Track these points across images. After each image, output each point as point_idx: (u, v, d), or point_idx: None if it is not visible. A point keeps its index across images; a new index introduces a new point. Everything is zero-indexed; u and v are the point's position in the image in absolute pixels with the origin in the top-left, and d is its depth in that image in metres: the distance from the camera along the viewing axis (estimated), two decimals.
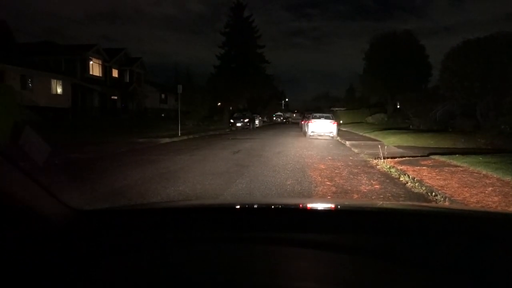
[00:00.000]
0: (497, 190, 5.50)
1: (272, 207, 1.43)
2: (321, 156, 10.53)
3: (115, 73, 38.34)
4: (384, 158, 9.03)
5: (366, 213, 1.27)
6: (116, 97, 37.37)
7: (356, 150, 12.50)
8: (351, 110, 47.31)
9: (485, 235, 1.02)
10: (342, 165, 8.71)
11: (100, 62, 35.10)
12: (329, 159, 9.99)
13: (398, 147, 13.28)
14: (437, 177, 6.59)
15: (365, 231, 1.04)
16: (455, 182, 6.12)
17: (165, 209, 1.41)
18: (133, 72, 40.52)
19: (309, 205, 1.45)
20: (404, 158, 9.51)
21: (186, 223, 1.13)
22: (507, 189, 5.51)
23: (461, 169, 7.45)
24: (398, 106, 37.36)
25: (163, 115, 39.78)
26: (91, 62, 33.75)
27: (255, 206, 1.47)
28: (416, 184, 6.14)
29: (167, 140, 15.79)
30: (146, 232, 1.04)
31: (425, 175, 6.76)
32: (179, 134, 17.94)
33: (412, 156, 10.11)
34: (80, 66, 32.63)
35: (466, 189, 5.59)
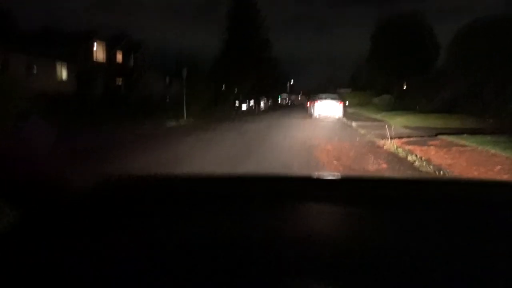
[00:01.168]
0: (506, 168, 5.46)
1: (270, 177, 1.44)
2: (328, 137, 10.49)
3: (119, 58, 38.21)
4: (391, 138, 8.98)
5: (361, 181, 1.30)
6: (120, 83, 37.36)
7: (362, 131, 12.44)
8: (357, 91, 46.96)
9: (481, 200, 1.03)
10: (349, 146, 8.69)
11: (104, 48, 34.97)
12: (336, 140, 9.96)
13: (405, 127, 13.18)
14: (445, 156, 6.56)
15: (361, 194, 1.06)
16: (464, 161, 6.09)
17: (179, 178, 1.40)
18: (138, 57, 40.37)
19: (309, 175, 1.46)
20: (411, 138, 9.44)
21: (201, 190, 1.14)
22: None
23: (469, 148, 7.41)
24: (405, 88, 37.05)
25: (167, 100, 39.75)
26: (94, 48, 33.64)
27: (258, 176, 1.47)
28: (424, 163, 6.12)
29: (173, 123, 15.84)
30: (161, 200, 1.04)
31: (433, 154, 6.73)
32: (185, 118, 17.97)
33: (420, 136, 10.05)
34: (84, 52, 32.54)
35: (474, 167, 5.57)
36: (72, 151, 7.67)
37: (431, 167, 5.80)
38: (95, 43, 33.62)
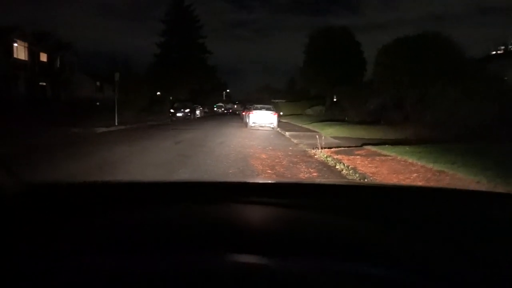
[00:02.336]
0: (421, 175, 6.04)
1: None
2: (262, 146, 10.75)
3: (43, 58, 35.63)
4: (321, 148, 9.44)
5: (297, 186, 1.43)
6: (45, 84, 34.82)
7: (295, 141, 12.91)
8: (291, 102, 48.50)
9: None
10: (282, 155, 8.98)
11: (26, 45, 32.41)
12: (270, 149, 10.23)
13: (335, 138, 13.93)
14: (369, 165, 7.06)
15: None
16: (385, 169, 6.61)
17: (111, 184, 1.40)
18: (65, 59, 37.96)
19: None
20: (339, 148, 10.02)
21: (135, 196, 1.14)
22: (429, 175, 6.07)
23: (390, 158, 8.04)
24: (335, 99, 39.10)
25: (98, 104, 37.80)
26: (15, 45, 31.04)
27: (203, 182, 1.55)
28: (350, 171, 6.54)
29: (103, 129, 15.11)
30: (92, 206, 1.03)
31: (359, 163, 7.21)
32: (116, 124, 17.24)
33: (347, 146, 10.68)
34: (2, 49, 29.87)
35: (394, 175, 6.08)
36: None
37: (357, 175, 6.21)
38: (16, 40, 31.03)
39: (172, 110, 28.84)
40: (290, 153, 9.36)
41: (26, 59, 32.42)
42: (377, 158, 8.02)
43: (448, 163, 6.75)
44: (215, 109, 60.71)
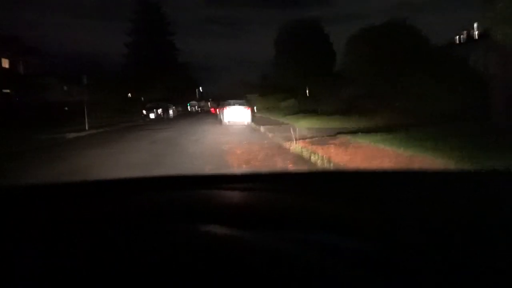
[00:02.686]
0: (392, 160, 6.19)
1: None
2: (237, 142, 10.73)
3: (5, 64, 34.29)
4: (295, 140, 9.51)
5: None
6: (8, 91, 33.52)
7: (270, 134, 12.96)
8: (265, 96, 48.57)
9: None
10: (257, 149, 8.99)
11: None
12: (245, 143, 10.23)
13: (308, 129, 14.05)
14: (343, 154, 7.17)
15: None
16: (359, 157, 6.74)
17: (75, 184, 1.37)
18: (30, 63, 36.62)
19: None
20: (313, 139, 10.12)
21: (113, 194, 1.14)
22: (400, 159, 6.23)
23: (363, 145, 8.20)
24: (308, 92, 39.48)
25: (66, 108, 36.72)
26: None
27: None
28: (325, 161, 6.62)
29: (73, 135, 14.71)
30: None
31: (332, 153, 7.31)
32: (87, 128, 16.82)
33: (321, 137, 10.80)
34: None
35: (367, 161, 6.20)
36: None
37: (332, 164, 6.30)
38: None
39: (144, 111, 28.36)
40: (265, 147, 9.38)
41: None
42: (351, 146, 8.16)
43: (419, 147, 6.95)
44: (189, 107, 59.33)
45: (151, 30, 45.72)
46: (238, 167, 6.52)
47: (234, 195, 1.06)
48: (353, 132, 10.97)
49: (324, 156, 6.92)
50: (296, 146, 8.94)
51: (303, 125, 15.78)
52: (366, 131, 10.90)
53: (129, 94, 39.00)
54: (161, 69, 42.18)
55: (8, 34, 35.08)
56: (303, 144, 9.02)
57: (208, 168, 6.48)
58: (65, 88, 41.88)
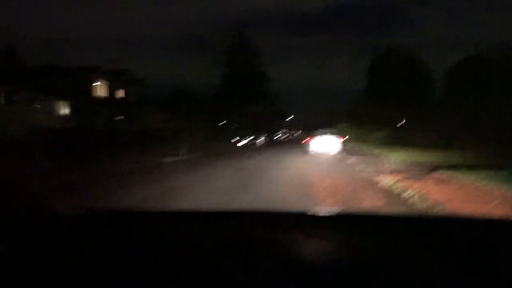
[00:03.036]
0: (501, 204, 5.41)
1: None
2: (325, 173, 10.45)
3: (120, 94, 38.84)
4: (388, 173, 8.95)
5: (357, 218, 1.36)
6: (121, 117, 37.71)
7: (359, 167, 12.42)
8: (355, 126, 47.27)
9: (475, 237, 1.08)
10: (345, 182, 8.64)
11: (105, 83, 35.64)
12: (333, 175, 9.92)
13: (402, 162, 13.17)
14: (440, 192, 6.51)
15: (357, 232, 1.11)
16: (460, 197, 6.04)
17: (158, 213, 1.44)
18: (138, 93, 41.01)
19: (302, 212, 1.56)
20: (407, 174, 9.42)
21: (181, 226, 1.17)
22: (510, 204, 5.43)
23: (466, 183, 7.37)
24: (403, 122, 37.36)
25: (167, 134, 39.98)
26: (96, 84, 34.27)
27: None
28: (420, 199, 6.06)
29: (169, 159, 15.83)
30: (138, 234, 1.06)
31: (428, 191, 6.68)
32: (181, 154, 17.98)
33: (417, 172, 10.01)
34: (85, 87, 33.15)
35: (470, 204, 5.51)
36: (68, 183, 7.61)
37: (426, 204, 5.73)
38: (96, 79, 34.28)
39: (234, 139, 29.51)
40: (353, 180, 8.98)
41: (105, 96, 35.60)
42: (450, 184, 7.39)
43: None
44: (279, 136, 61.11)
45: (244, 61, 48.07)
46: (323, 202, 6.30)
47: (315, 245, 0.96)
48: (454, 167, 9.98)
49: (420, 193, 6.34)
50: (387, 181, 8.39)
51: (396, 158, 14.87)
52: (468, 167, 9.83)
53: (221, 122, 41.12)
54: (252, 98, 43.86)
55: (121, 69, 39.92)
56: (396, 179, 8.44)
57: (293, 200, 6.38)
58: (167, 116, 45.94)
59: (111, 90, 36.74)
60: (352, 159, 15.20)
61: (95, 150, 19.15)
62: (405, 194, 6.67)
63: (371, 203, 6.10)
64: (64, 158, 14.11)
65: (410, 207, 5.81)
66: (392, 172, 9.42)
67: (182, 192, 7.32)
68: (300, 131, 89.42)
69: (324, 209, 2.31)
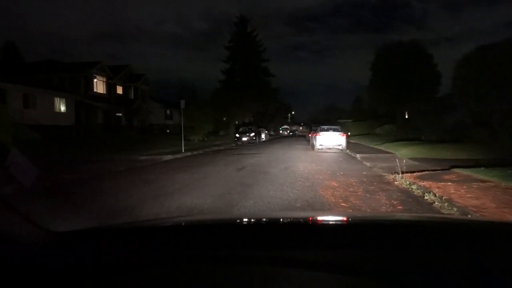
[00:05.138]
0: None
1: (269, 221, 1.40)
2: (332, 172, 9.75)
3: (119, 90, 38.11)
4: (402, 172, 8.24)
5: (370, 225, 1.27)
6: (120, 114, 37.02)
7: (368, 164, 11.72)
8: (358, 121, 46.54)
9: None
10: (356, 182, 7.94)
11: (104, 79, 34.90)
12: (341, 174, 9.22)
13: (413, 159, 12.45)
14: (468, 195, 5.79)
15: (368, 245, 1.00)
16: (490, 201, 5.33)
17: (152, 227, 1.35)
18: (138, 89, 40.26)
19: (310, 219, 1.46)
20: (423, 173, 8.71)
21: (175, 241, 1.10)
22: None
23: (491, 184, 6.65)
24: (407, 117, 36.54)
25: (168, 131, 39.32)
26: (95, 80, 33.55)
27: (252, 221, 1.42)
28: (445, 204, 5.35)
29: (169, 157, 15.15)
30: (130, 251, 0.99)
31: (453, 193, 5.97)
32: (183, 151, 17.30)
33: (432, 170, 9.30)
34: (84, 83, 32.42)
35: (506, 209, 4.80)
36: (47, 191, 6.93)
37: (455, 209, 5.03)
38: (96, 75, 33.55)
39: (237, 135, 28.75)
40: (364, 180, 8.27)
41: (104, 92, 34.85)
42: (474, 184, 6.67)
43: None
44: (281, 131, 60.53)
45: (246, 56, 47.17)
46: (335, 205, 5.60)
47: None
48: (472, 166, 9.26)
49: (443, 197, 5.64)
50: (402, 180, 7.69)
51: (405, 154, 14.14)
52: (488, 164, 9.11)
53: (224, 118, 40.32)
54: (254, 94, 43.00)
55: (120, 64, 39.14)
56: (411, 178, 7.74)
57: (299, 205, 5.68)
58: (168, 111, 45.17)
59: (110, 86, 36.00)
60: (360, 156, 14.48)
61: (93, 148, 18.47)
62: (428, 198, 5.96)
63: (392, 207, 5.38)
64: (61, 158, 13.45)
65: (437, 212, 5.09)
66: (405, 170, 8.70)
67: (176, 195, 6.62)
68: (301, 127, 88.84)
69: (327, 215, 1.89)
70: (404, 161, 12.03)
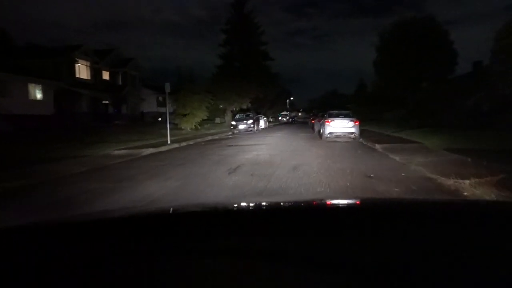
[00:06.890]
0: None
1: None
2: (359, 172, 7.18)
3: (105, 75, 35.29)
4: (449, 170, 5.72)
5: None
6: (107, 102, 34.30)
7: (398, 159, 9.19)
8: (363, 106, 43.93)
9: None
10: (397, 190, 5.44)
11: (89, 64, 32.06)
12: (371, 176, 6.69)
13: (452, 151, 9.89)
14: None
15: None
16: None
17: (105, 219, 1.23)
18: (127, 74, 37.39)
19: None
20: (475, 170, 6.16)
21: (131, 235, 0.99)
22: None
23: None
24: (417, 101, 33.93)
25: (160, 119, 36.68)
26: (78, 64, 30.73)
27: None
28: None
29: (150, 150, 12.63)
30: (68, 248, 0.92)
31: None
32: (169, 142, 14.76)
33: (479, 167, 6.74)
34: (66, 68, 29.60)
35: None
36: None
37: None
38: (79, 59, 30.71)
39: (233, 122, 26.12)
40: (413, 188, 5.69)
41: (89, 77, 32.05)
42: None
43: None
44: (280, 118, 57.94)
45: (244, 39, 44.31)
46: None
47: None
48: None
49: None
50: (478, 191, 5.16)
51: (437, 145, 11.60)
52: None
53: (220, 105, 37.61)
54: (253, 79, 40.24)
55: (107, 48, 36.24)
56: (481, 184, 5.23)
57: None
58: (160, 99, 42.38)
59: (96, 71, 33.15)
60: (380, 147, 11.95)
61: (66, 140, 15.89)
62: None
63: None
64: (18, 155, 10.93)
65: None
66: (459, 170, 6.19)
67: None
68: (302, 112, 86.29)
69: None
70: (443, 154, 9.53)
